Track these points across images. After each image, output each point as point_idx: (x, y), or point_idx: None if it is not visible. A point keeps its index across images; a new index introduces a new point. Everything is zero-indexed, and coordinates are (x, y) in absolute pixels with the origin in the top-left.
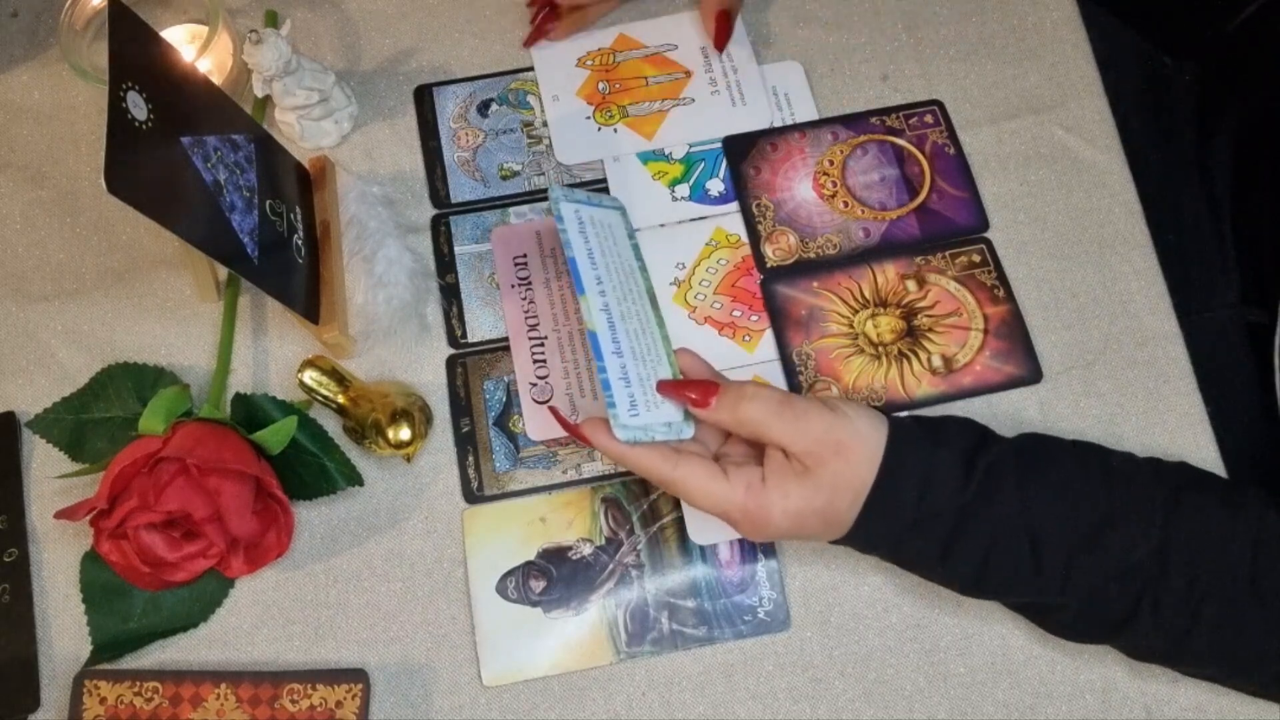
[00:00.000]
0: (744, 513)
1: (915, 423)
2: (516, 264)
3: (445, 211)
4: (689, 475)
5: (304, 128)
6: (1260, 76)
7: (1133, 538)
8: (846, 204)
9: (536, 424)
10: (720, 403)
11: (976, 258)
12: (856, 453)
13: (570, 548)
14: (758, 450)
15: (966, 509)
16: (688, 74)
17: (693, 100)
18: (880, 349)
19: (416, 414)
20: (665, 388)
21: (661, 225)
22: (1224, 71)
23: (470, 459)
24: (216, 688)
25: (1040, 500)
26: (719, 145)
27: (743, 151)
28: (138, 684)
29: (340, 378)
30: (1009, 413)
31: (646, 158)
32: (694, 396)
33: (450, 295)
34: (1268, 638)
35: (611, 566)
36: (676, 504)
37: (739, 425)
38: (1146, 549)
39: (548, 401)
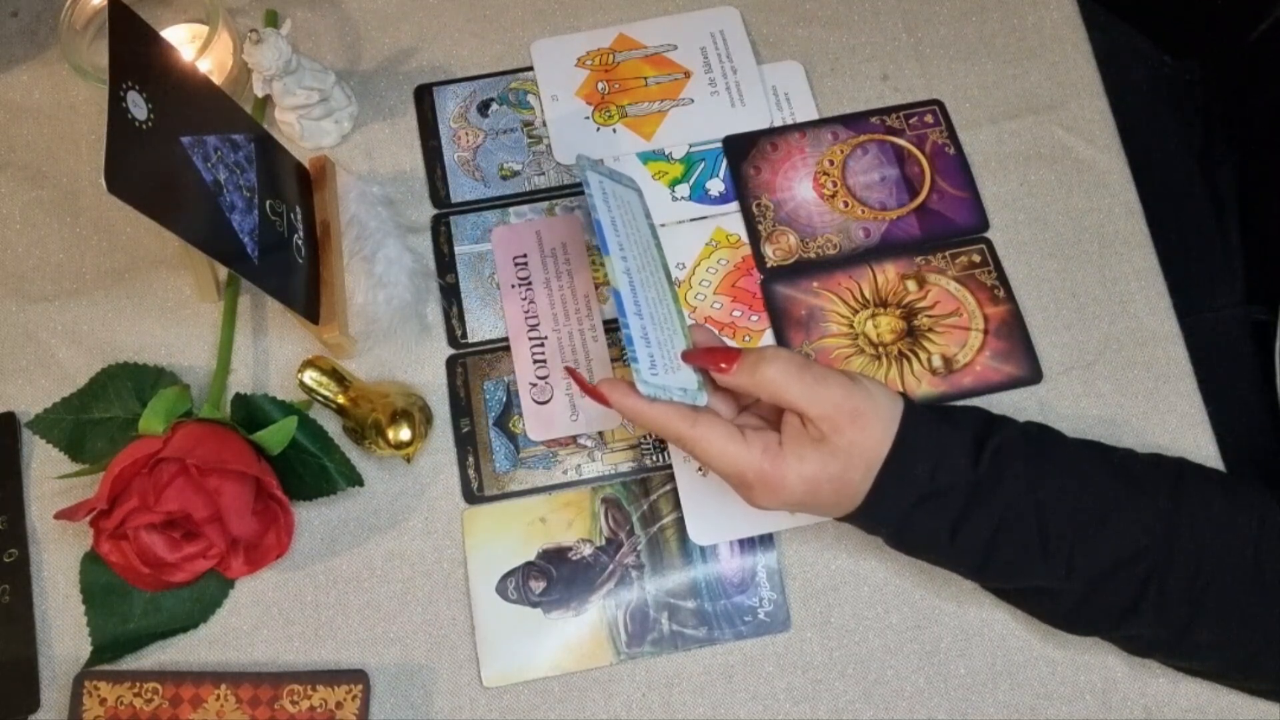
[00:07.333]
0: (759, 474)
1: (925, 406)
2: (516, 264)
3: (445, 211)
4: (707, 433)
5: (304, 127)
6: (1270, 76)
7: (1138, 524)
8: (847, 204)
9: (536, 424)
10: (741, 366)
11: (976, 258)
12: (873, 423)
13: (570, 548)
14: (774, 421)
15: (977, 487)
16: (687, 74)
17: (692, 101)
18: (880, 349)
19: (416, 414)
20: (691, 356)
21: (661, 225)
22: (1230, 71)
23: (470, 459)
24: (216, 688)
25: (1048, 483)
26: (719, 145)
27: (743, 151)
28: (138, 685)
29: (340, 378)
30: (1009, 413)
31: (646, 157)
32: (723, 365)
33: (450, 295)
34: (1269, 629)
35: (611, 567)
36: (676, 504)
37: (759, 387)
38: (1151, 535)
39: (548, 401)
